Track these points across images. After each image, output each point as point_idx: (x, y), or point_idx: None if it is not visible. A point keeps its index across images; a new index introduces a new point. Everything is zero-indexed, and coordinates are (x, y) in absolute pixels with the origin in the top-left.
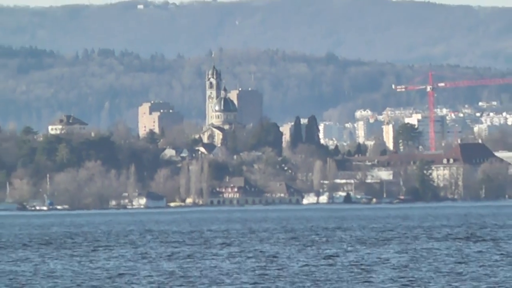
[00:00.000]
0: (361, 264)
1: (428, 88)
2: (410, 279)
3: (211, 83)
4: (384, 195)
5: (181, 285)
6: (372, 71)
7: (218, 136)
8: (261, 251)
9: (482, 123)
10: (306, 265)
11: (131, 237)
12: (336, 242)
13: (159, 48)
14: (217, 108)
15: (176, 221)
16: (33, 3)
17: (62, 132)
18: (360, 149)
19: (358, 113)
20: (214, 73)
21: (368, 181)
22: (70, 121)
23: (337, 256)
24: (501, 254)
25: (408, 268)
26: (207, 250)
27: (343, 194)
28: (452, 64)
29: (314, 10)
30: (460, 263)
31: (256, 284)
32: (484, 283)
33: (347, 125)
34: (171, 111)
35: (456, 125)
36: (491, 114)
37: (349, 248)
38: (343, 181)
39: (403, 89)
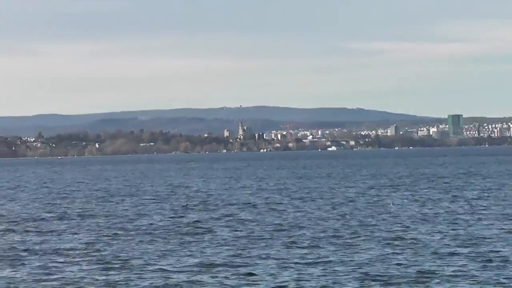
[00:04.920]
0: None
1: (288, 126)
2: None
3: (240, 123)
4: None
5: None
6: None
7: (241, 136)
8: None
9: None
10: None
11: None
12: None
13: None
14: (241, 128)
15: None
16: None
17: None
18: (279, 139)
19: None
20: (241, 121)
21: (278, 145)
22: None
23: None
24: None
25: (299, 173)
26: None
27: (274, 150)
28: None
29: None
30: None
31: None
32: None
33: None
34: (229, 129)
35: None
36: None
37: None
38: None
39: (288, 126)
